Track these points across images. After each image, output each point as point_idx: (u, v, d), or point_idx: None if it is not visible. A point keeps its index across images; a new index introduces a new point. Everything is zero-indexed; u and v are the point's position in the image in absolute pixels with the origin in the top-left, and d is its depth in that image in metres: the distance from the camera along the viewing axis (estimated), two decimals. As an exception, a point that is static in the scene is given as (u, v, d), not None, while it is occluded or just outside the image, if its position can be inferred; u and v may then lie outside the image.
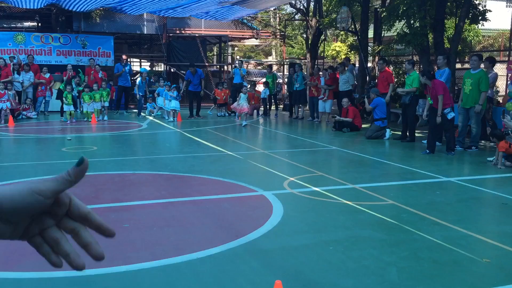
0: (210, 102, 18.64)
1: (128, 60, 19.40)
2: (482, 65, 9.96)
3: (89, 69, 16.23)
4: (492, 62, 10.34)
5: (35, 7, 16.00)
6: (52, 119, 14.71)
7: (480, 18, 12.78)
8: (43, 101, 15.69)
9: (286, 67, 21.67)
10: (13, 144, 10.27)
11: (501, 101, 11.23)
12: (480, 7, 12.92)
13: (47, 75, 15.75)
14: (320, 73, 15.13)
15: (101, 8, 18.43)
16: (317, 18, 18.75)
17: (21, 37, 17.74)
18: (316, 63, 19.20)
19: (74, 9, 16.50)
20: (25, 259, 3.90)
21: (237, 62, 20.14)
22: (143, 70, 17.95)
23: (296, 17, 25.23)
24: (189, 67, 16.17)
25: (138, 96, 15.92)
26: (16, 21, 22.26)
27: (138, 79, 16.37)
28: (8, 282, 3.52)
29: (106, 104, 14.60)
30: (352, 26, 16.42)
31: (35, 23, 21.66)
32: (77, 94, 14.64)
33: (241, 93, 13.91)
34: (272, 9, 26.41)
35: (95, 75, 15.79)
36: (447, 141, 9.22)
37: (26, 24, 22.11)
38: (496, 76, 10.76)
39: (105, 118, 14.49)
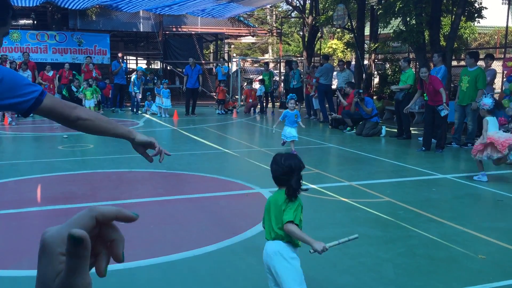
0: (207, 100, 18.61)
1: (124, 58, 19.37)
2: (481, 62, 9.98)
3: (85, 65, 16.25)
4: (492, 59, 10.40)
5: (31, 5, 15.95)
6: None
7: (476, 15, 12.80)
8: None
9: (282, 64, 21.65)
10: (9, 142, 10.24)
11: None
12: (476, 5, 12.93)
13: (51, 73, 15.65)
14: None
15: (97, 6, 18.37)
16: (314, 15, 18.74)
17: (17, 35, 17.67)
18: (312, 61, 19.19)
19: (69, 7, 16.45)
20: (21, 258, 3.90)
21: (220, 60, 20.12)
22: (139, 69, 17.96)
23: (293, 14, 25.19)
24: (188, 59, 16.07)
25: (133, 93, 15.91)
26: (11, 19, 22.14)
27: (133, 77, 16.35)
28: (5, 280, 3.51)
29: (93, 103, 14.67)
30: (349, 24, 16.42)
31: (30, 21, 21.56)
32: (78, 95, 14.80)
33: None
34: (268, 6, 26.37)
35: (89, 73, 15.77)
36: (438, 138, 9.25)
37: (22, 22, 22.00)
38: (494, 73, 10.79)
39: None
